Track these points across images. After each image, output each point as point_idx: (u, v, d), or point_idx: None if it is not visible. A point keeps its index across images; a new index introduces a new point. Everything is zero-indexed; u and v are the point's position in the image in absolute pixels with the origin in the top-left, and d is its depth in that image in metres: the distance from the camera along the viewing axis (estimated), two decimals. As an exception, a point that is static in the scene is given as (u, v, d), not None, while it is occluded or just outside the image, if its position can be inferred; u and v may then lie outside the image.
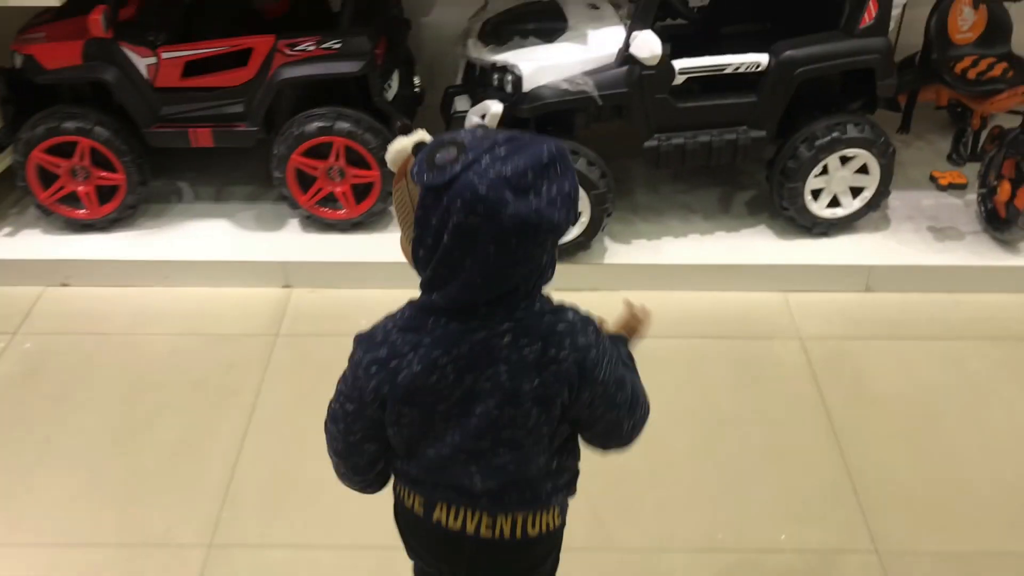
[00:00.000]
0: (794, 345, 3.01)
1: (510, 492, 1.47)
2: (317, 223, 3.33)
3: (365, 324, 1.43)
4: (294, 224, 3.39)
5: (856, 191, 3.25)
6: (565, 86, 2.93)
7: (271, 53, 3.08)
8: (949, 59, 3.32)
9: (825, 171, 3.16)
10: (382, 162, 3.14)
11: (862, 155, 3.15)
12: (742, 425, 2.70)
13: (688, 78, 3.02)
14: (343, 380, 1.45)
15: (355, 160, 3.19)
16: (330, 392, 1.48)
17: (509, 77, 2.99)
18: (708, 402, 2.78)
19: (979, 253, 3.24)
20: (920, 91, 3.46)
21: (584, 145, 3.03)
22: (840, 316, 3.14)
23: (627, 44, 2.94)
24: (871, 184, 3.23)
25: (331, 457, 1.54)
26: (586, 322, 1.41)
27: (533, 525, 1.51)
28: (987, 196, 3.29)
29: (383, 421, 1.43)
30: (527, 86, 2.96)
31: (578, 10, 3.17)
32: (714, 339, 3.02)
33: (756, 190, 3.54)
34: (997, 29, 3.34)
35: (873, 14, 3.00)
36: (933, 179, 3.24)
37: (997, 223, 3.27)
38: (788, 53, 3.01)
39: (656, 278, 3.21)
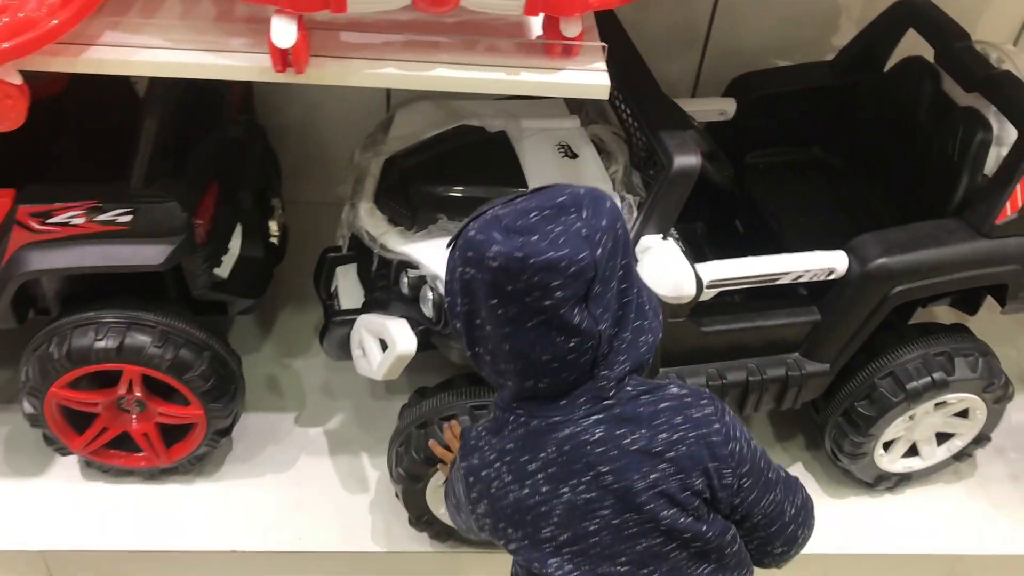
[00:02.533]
0: None
1: None
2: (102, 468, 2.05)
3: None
4: (67, 465, 2.09)
5: (944, 435, 2.18)
6: (524, 325, 1.72)
7: (6, 223, 1.74)
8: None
9: (910, 417, 2.07)
10: (211, 394, 1.89)
11: (968, 400, 2.05)
12: None
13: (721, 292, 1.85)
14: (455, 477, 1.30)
15: (162, 390, 1.92)
16: None
17: (430, 295, 1.75)
18: None
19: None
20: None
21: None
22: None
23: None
24: (968, 432, 2.15)
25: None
26: (698, 394, 1.22)
27: None
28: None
29: (483, 532, 1.27)
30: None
31: (542, 159, 1.91)
32: None
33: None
34: None
35: (1020, 204, 1.86)
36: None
37: None
38: (880, 262, 1.84)
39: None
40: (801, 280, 1.88)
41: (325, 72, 1.45)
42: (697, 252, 2.33)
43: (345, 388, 2.28)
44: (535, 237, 1.07)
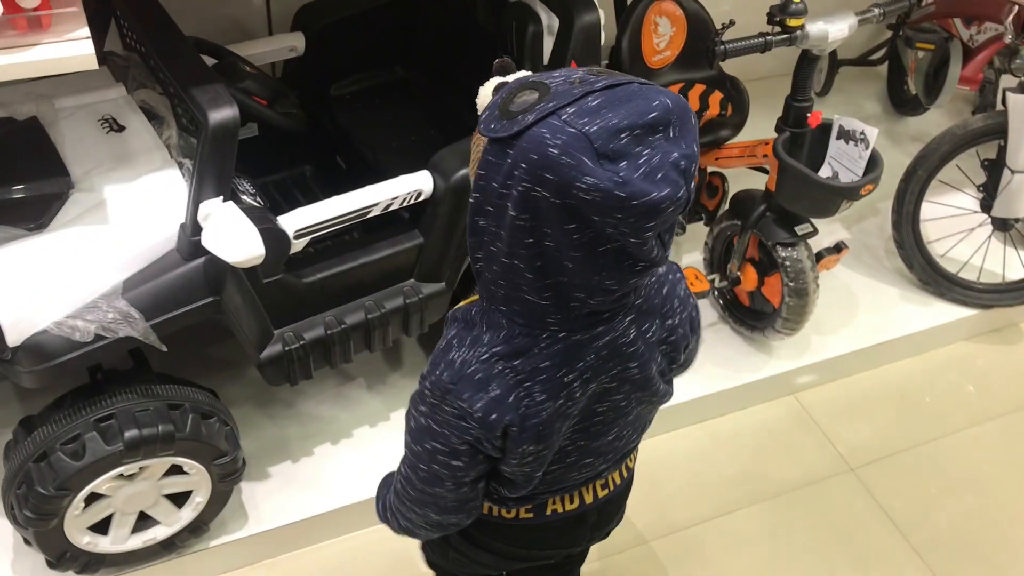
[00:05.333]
0: None
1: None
2: None
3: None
4: None
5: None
6: (90, 328, 1.55)
7: None
8: (652, 96, 2.37)
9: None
10: None
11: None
12: None
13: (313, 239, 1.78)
14: (433, 437, 1.14)
15: None
16: None
17: (-25, 322, 1.54)
18: None
19: (732, 362, 2.45)
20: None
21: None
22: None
23: (193, 222, 1.61)
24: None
25: (425, 524, 1.26)
26: (670, 264, 1.21)
27: (634, 459, 1.43)
28: (727, 288, 2.48)
29: (500, 454, 1.16)
30: (14, 337, 1.53)
31: (83, 139, 1.72)
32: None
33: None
34: (700, 41, 2.43)
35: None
36: (669, 287, 2.33)
37: (742, 313, 2.49)
38: (462, 172, 1.85)
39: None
40: (392, 208, 1.86)
41: None
42: (309, 196, 2.27)
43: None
44: (635, 170, 0.93)
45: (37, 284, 1.54)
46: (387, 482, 1.38)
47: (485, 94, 1.12)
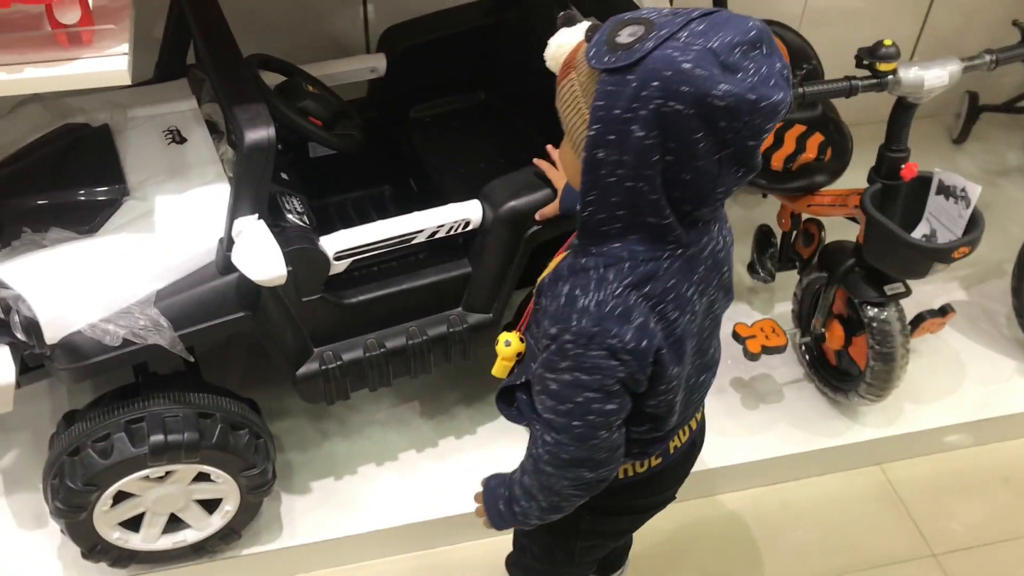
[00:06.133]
0: None
1: None
2: None
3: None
4: None
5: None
6: (119, 333, 1.60)
7: None
8: (744, 135, 2.24)
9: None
10: None
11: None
12: None
13: (356, 260, 1.78)
14: (584, 388, 1.17)
15: None
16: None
17: (16, 317, 1.61)
18: None
19: (811, 423, 2.28)
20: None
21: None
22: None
23: (229, 238, 1.64)
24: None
25: (575, 489, 1.27)
26: None
27: None
28: (813, 344, 2.31)
29: (647, 386, 1.21)
30: (51, 334, 1.60)
31: (145, 149, 1.79)
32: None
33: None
34: (804, 80, 2.28)
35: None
36: (738, 339, 2.20)
37: (827, 373, 2.31)
38: (510, 205, 1.80)
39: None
40: (439, 235, 1.84)
41: None
42: (384, 216, 2.27)
43: (22, 420, 2.13)
44: (753, 78, 1.04)
45: (77, 286, 1.60)
46: (500, 483, 1.38)
47: (558, 43, 1.18)
